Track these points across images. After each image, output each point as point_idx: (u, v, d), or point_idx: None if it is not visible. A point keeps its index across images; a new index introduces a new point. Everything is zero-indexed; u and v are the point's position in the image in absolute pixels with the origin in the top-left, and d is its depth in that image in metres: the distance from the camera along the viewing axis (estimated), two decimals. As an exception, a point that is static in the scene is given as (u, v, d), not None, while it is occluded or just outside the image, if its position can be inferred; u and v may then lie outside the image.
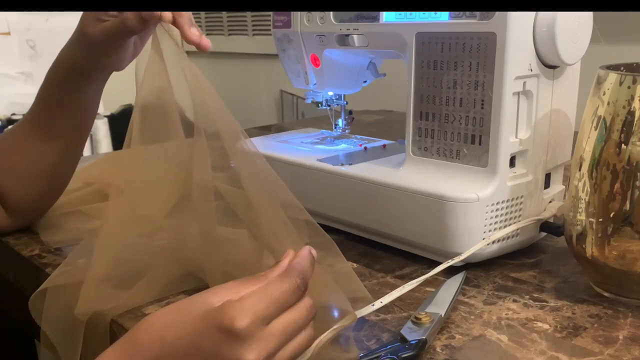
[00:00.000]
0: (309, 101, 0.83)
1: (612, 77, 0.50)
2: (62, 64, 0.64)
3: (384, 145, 0.80)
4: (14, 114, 2.61)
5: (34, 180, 0.69)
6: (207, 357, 0.39)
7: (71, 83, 0.65)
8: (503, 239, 0.60)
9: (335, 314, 0.49)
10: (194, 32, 0.55)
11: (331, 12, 0.71)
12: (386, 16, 0.66)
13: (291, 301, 0.42)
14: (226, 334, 0.39)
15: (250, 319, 0.39)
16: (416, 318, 0.48)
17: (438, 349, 0.47)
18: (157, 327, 0.41)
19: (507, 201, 0.60)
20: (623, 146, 0.49)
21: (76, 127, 0.69)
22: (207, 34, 2.35)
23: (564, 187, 0.68)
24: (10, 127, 0.71)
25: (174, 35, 0.58)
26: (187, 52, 0.55)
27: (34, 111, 0.68)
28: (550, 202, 0.65)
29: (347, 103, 0.82)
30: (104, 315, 0.54)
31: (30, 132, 0.68)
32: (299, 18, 0.75)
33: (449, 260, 0.57)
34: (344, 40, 0.71)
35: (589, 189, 0.52)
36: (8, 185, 0.69)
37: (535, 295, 0.55)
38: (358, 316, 0.49)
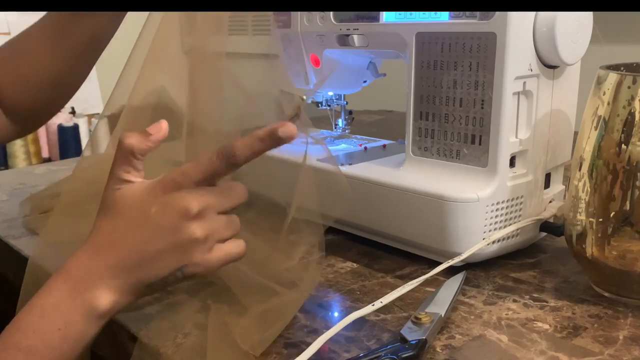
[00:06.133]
0: (309, 101, 0.83)
1: (612, 77, 0.50)
2: None
3: (384, 145, 0.80)
4: (14, 114, 2.61)
5: (40, 89, 0.67)
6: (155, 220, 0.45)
7: None
8: (503, 239, 0.60)
9: None
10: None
11: (331, 12, 0.71)
12: (386, 16, 0.66)
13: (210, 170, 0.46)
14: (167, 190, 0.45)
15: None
16: (416, 318, 0.48)
17: (438, 349, 0.47)
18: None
19: (507, 201, 0.60)
20: (623, 146, 0.49)
21: (91, 38, 0.66)
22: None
23: (564, 187, 0.68)
24: (23, 30, 0.67)
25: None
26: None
27: (51, 15, 0.65)
28: (550, 202, 0.65)
29: (347, 103, 0.82)
30: None
31: (42, 37, 0.66)
32: (299, 18, 0.75)
33: (449, 260, 0.57)
34: (344, 40, 0.71)
35: (589, 189, 0.52)
36: (13, 92, 0.67)
37: (535, 295, 0.55)
38: (357, 316, 0.49)
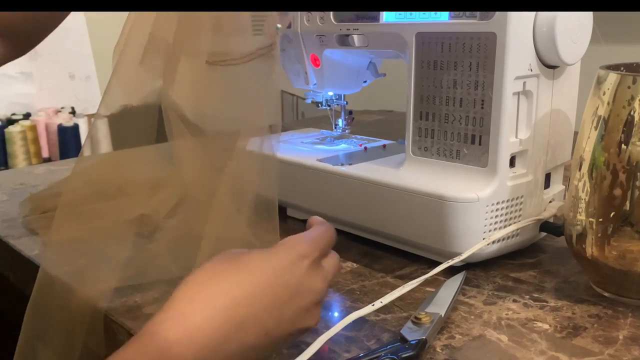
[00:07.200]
0: (309, 101, 0.83)
1: (612, 77, 0.50)
2: None
3: (384, 145, 0.80)
4: (14, 114, 2.61)
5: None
6: (292, 288, 0.42)
7: None
8: (503, 239, 0.60)
9: None
10: None
11: (331, 12, 0.71)
12: (386, 16, 0.66)
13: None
14: (308, 263, 0.43)
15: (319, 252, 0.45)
16: (416, 318, 0.48)
17: (438, 349, 0.47)
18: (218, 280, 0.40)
19: (507, 201, 0.60)
20: (623, 146, 0.49)
21: None
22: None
23: (564, 187, 0.68)
24: None
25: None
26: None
27: None
28: (550, 202, 0.65)
29: (347, 103, 0.82)
30: (100, 313, 0.54)
31: None
32: (299, 18, 0.75)
33: (449, 260, 0.57)
34: (344, 40, 0.71)
35: (589, 189, 0.52)
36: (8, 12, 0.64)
37: (535, 295, 0.55)
38: (357, 316, 0.49)
